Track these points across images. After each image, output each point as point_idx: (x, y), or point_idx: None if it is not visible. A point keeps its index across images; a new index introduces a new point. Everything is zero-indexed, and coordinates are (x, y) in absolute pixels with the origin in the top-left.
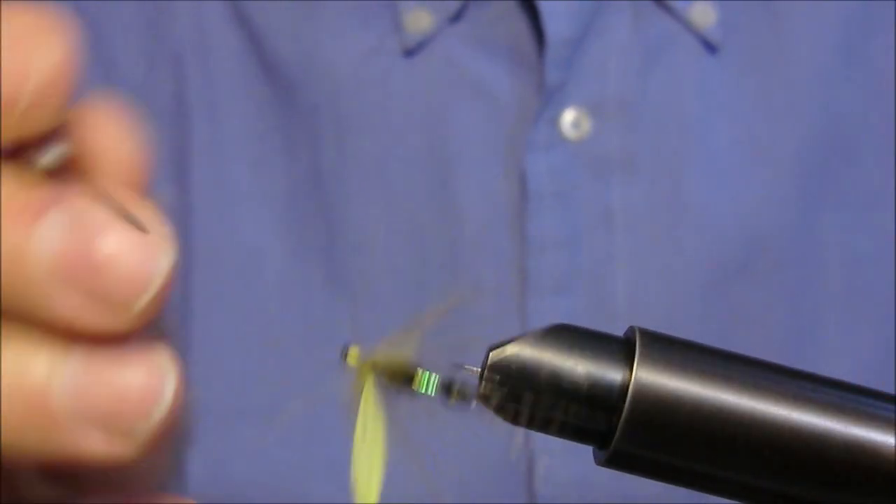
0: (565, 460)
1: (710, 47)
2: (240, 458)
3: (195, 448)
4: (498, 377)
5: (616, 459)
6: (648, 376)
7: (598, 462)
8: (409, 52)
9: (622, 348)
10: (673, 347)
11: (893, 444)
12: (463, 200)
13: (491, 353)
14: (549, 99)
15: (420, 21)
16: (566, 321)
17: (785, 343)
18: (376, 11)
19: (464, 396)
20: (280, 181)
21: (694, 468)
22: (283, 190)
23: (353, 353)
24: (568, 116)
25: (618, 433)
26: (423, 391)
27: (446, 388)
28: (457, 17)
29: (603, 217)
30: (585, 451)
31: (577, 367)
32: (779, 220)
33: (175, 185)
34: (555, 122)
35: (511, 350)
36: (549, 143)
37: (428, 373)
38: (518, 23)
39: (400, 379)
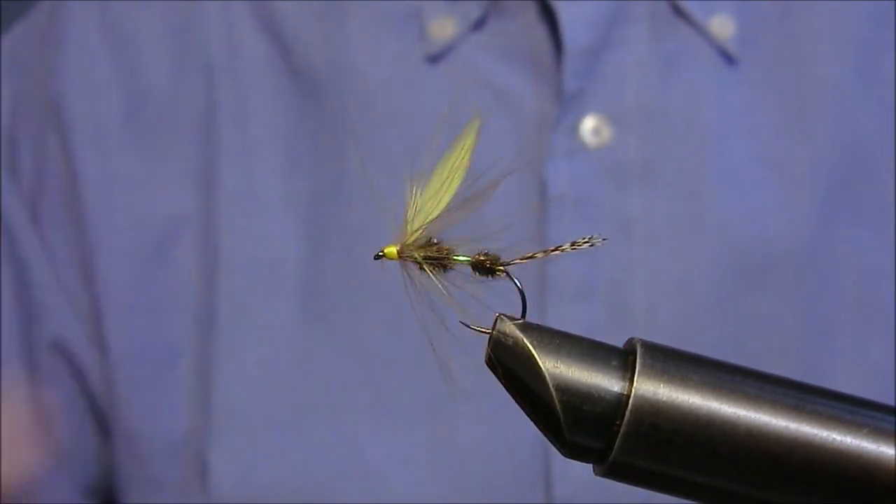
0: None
1: (728, 59)
2: (267, 461)
3: (221, 452)
4: (499, 355)
5: (615, 470)
6: (648, 389)
7: (598, 472)
8: (433, 59)
9: (622, 360)
10: (673, 360)
11: (893, 456)
12: (483, 206)
13: (500, 321)
14: (567, 106)
15: (444, 28)
16: (585, 328)
17: (799, 352)
18: (402, 20)
19: (493, 268)
20: (305, 188)
21: (692, 479)
22: (307, 196)
23: (386, 249)
24: (588, 123)
25: (617, 444)
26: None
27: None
28: (479, 24)
29: (622, 225)
30: None
31: (576, 375)
32: (794, 234)
33: (201, 194)
34: (575, 129)
35: (514, 332)
36: (569, 150)
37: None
38: (537, 31)
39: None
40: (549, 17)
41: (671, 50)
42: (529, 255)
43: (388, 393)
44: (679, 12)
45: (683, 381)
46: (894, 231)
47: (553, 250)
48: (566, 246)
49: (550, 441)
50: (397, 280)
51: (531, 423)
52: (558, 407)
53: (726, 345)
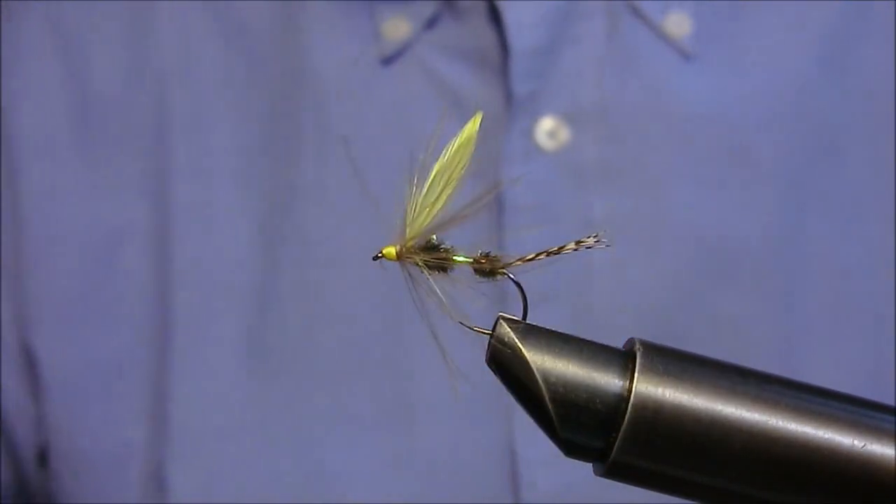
0: (550, 467)
1: (684, 56)
2: (228, 474)
3: (180, 466)
4: (497, 356)
5: (615, 470)
6: (648, 389)
7: (598, 472)
8: (387, 61)
9: (622, 360)
10: (673, 360)
11: (894, 456)
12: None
13: (498, 324)
14: (518, 109)
15: (398, 29)
16: None
17: (770, 353)
18: (357, 21)
19: (493, 269)
20: (260, 197)
21: (693, 479)
22: (263, 206)
23: (385, 250)
24: (544, 126)
25: (617, 445)
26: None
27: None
28: (432, 23)
29: (584, 228)
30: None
31: (575, 374)
32: (760, 230)
33: (153, 203)
34: (530, 132)
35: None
36: (525, 153)
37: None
38: (487, 33)
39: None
40: (497, 18)
41: (628, 48)
42: (531, 256)
43: (349, 402)
44: (635, 11)
45: (684, 380)
46: (865, 226)
47: (556, 251)
48: (570, 245)
49: (552, 440)
50: (355, 288)
51: (496, 430)
52: (550, 407)
53: (692, 346)
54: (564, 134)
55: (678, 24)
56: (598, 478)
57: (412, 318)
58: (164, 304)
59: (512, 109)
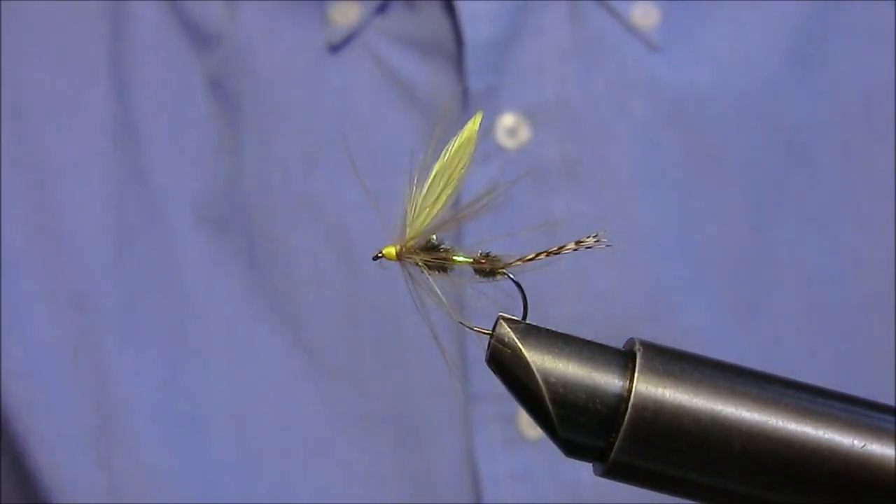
0: (510, 460)
1: (652, 48)
2: (167, 458)
3: (121, 448)
4: (497, 356)
5: (615, 470)
6: (648, 389)
7: (598, 472)
8: (335, 48)
9: (622, 360)
10: (673, 360)
11: (894, 456)
12: (398, 207)
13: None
14: (475, 106)
15: (347, 13)
16: None
17: (740, 363)
18: (302, 7)
19: (493, 269)
20: (199, 178)
21: (693, 479)
22: (202, 187)
23: (385, 250)
24: (504, 123)
25: (617, 445)
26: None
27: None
28: (382, 9)
29: (545, 230)
30: (528, 451)
31: (575, 374)
32: (728, 235)
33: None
34: (489, 130)
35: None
36: (484, 153)
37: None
38: (440, 24)
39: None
40: (451, 8)
41: (593, 38)
42: (531, 256)
43: (298, 415)
44: (599, 0)
45: (684, 381)
46: (836, 231)
47: (556, 251)
48: (570, 245)
49: (552, 440)
50: (302, 284)
51: (452, 449)
52: (550, 407)
53: None
54: (525, 132)
55: (645, 14)
56: (564, 493)
57: (371, 320)
58: (105, 282)
59: (468, 105)
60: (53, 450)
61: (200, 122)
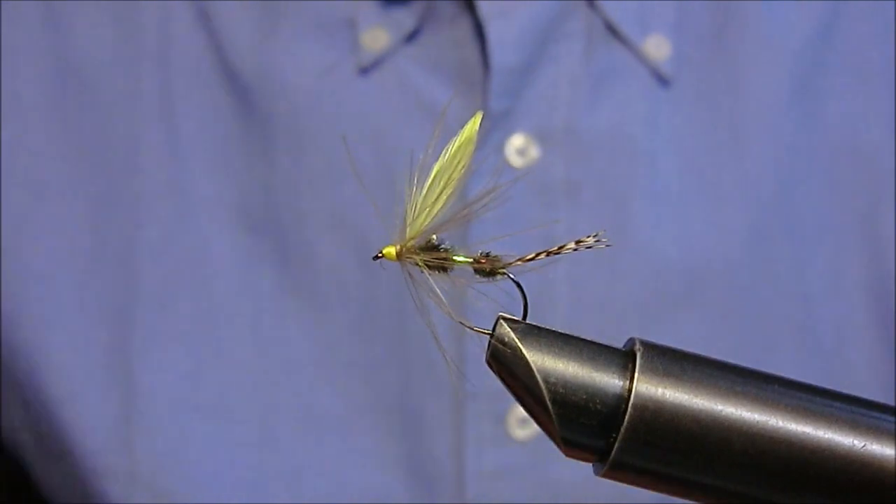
0: (496, 458)
1: (662, 80)
2: (191, 450)
3: (145, 436)
4: (498, 355)
5: (615, 470)
6: (649, 388)
7: (598, 473)
8: (365, 71)
9: (622, 360)
10: (673, 360)
11: (894, 456)
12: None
13: (498, 324)
14: (494, 126)
15: (377, 39)
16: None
17: None
18: (336, 30)
19: (494, 269)
20: (235, 189)
21: (693, 479)
22: (238, 198)
23: (385, 250)
24: (515, 143)
25: (617, 445)
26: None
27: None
28: (412, 37)
29: (546, 244)
30: (514, 450)
31: (575, 374)
32: (724, 254)
33: (124, 177)
34: (501, 148)
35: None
36: (494, 169)
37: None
38: (469, 48)
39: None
40: (481, 34)
41: (604, 69)
42: (531, 255)
43: (314, 399)
44: (613, 31)
45: (684, 381)
46: (827, 250)
47: (557, 250)
48: (570, 245)
49: (552, 440)
50: (326, 288)
51: (445, 443)
52: (550, 407)
53: None
54: (534, 151)
55: (657, 46)
56: (546, 493)
57: (384, 319)
58: (135, 280)
59: (488, 126)
60: (85, 437)
61: (234, 138)
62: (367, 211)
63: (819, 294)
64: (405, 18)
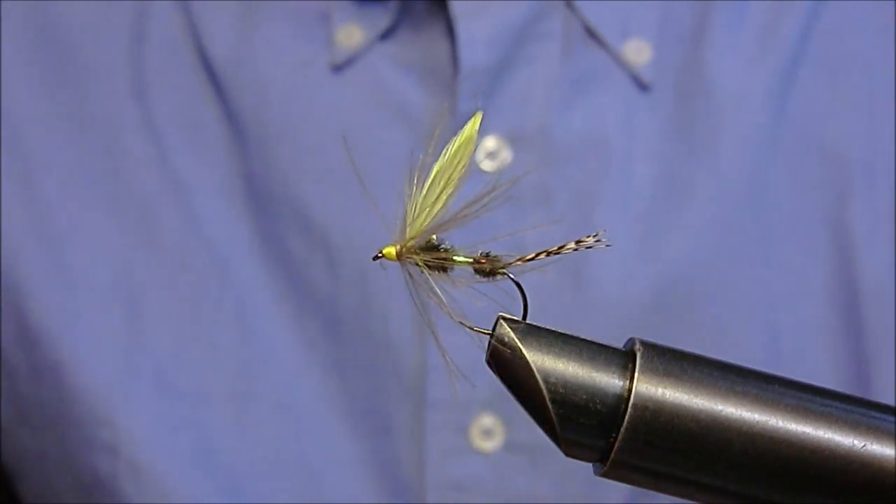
0: (457, 470)
1: (640, 85)
2: (164, 430)
3: (125, 412)
4: (498, 356)
5: (616, 470)
6: (649, 388)
7: (599, 472)
8: (338, 69)
9: (622, 360)
10: (673, 359)
11: (894, 456)
12: (377, 223)
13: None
14: (462, 126)
15: (352, 37)
16: (469, 358)
17: None
18: (311, 26)
19: (494, 269)
20: (216, 171)
21: (693, 479)
22: (219, 181)
23: (385, 250)
24: (487, 145)
25: (617, 445)
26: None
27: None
28: (386, 35)
29: (515, 250)
30: (477, 462)
31: (575, 374)
32: (693, 255)
33: (106, 153)
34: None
35: (511, 335)
36: (463, 173)
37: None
38: (440, 48)
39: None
40: (453, 33)
41: (581, 72)
42: (531, 255)
43: (291, 395)
44: (593, 35)
45: (684, 381)
46: (791, 255)
47: (556, 250)
48: (570, 245)
49: (552, 440)
50: (299, 282)
51: (411, 451)
52: (550, 407)
53: None
54: (506, 155)
55: (638, 51)
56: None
57: (350, 321)
58: (136, 264)
59: (456, 127)
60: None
61: (208, 124)
62: (332, 210)
63: (785, 295)
64: (380, 16)
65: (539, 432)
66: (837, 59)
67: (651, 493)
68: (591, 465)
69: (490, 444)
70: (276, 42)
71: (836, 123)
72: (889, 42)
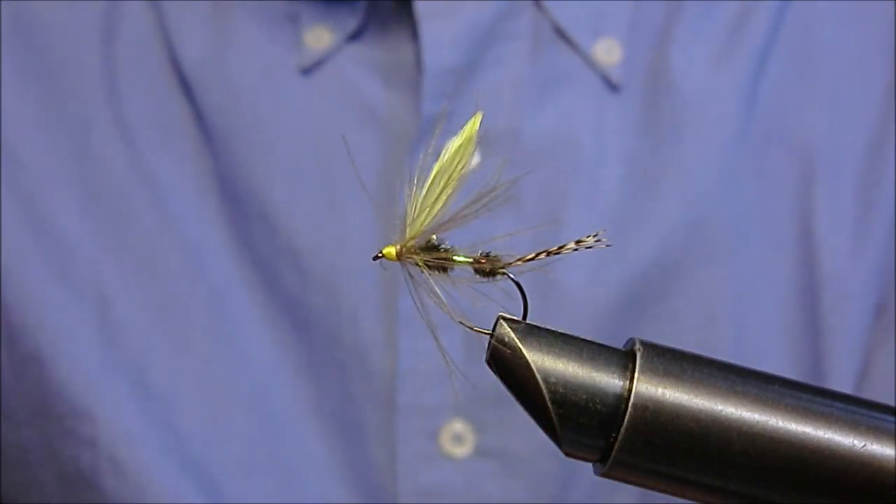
0: (428, 476)
1: (610, 85)
2: (137, 429)
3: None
4: (498, 356)
5: (616, 470)
6: (649, 388)
7: (599, 472)
8: (306, 71)
9: (622, 360)
10: (673, 359)
11: (894, 456)
12: (348, 226)
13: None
14: (427, 129)
15: (320, 39)
16: (438, 363)
17: None
18: (280, 28)
19: (494, 269)
20: (188, 169)
21: (693, 478)
22: (192, 180)
23: (385, 250)
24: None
25: (617, 445)
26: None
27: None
28: (355, 36)
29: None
30: (447, 468)
31: (575, 374)
32: (665, 256)
33: (79, 152)
34: (438, 153)
35: (511, 335)
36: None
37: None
38: (406, 50)
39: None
40: (417, 35)
41: (551, 72)
42: (531, 255)
43: (266, 398)
44: (562, 35)
45: (684, 381)
46: (757, 250)
47: (557, 250)
48: (570, 245)
49: (552, 440)
50: (269, 284)
51: (382, 457)
52: (550, 407)
53: None
54: (474, 156)
55: (608, 51)
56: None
57: (319, 325)
58: (110, 265)
59: (421, 129)
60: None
61: (179, 124)
62: (301, 212)
63: (750, 293)
64: (348, 17)
65: (509, 439)
66: (804, 53)
67: (649, 494)
68: (563, 470)
69: (460, 450)
70: (246, 43)
71: (802, 118)
72: (855, 35)
